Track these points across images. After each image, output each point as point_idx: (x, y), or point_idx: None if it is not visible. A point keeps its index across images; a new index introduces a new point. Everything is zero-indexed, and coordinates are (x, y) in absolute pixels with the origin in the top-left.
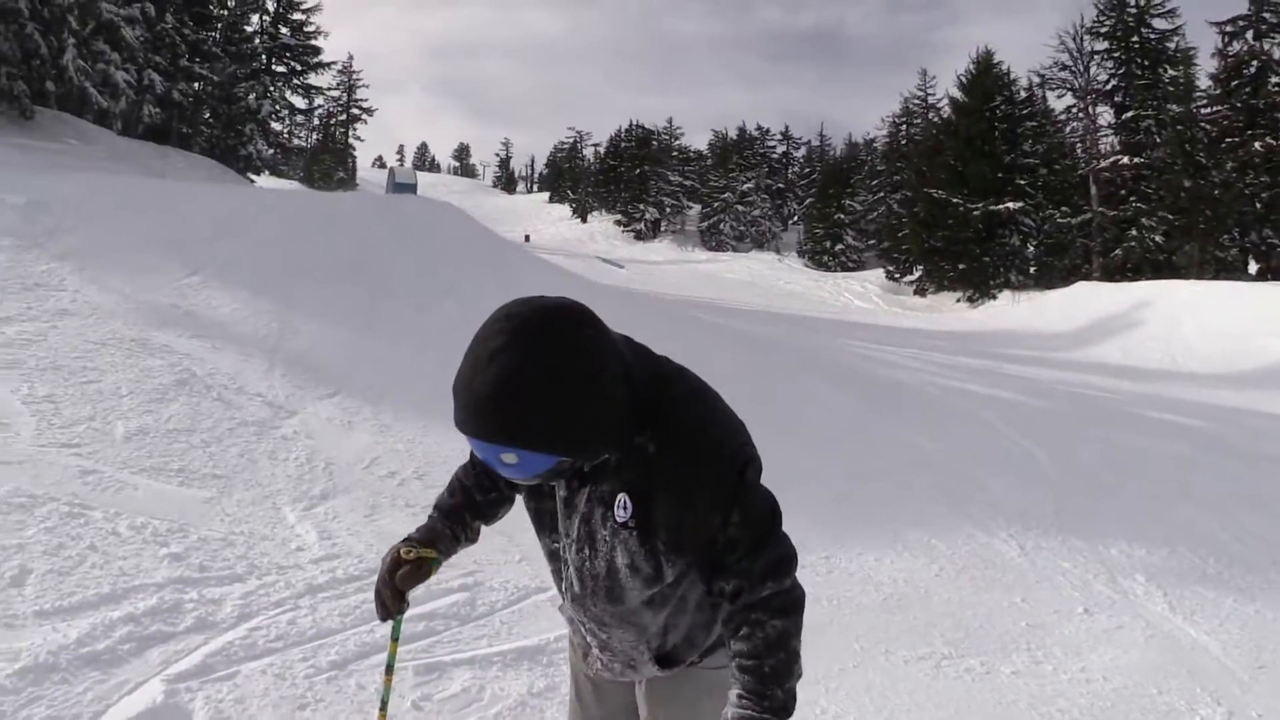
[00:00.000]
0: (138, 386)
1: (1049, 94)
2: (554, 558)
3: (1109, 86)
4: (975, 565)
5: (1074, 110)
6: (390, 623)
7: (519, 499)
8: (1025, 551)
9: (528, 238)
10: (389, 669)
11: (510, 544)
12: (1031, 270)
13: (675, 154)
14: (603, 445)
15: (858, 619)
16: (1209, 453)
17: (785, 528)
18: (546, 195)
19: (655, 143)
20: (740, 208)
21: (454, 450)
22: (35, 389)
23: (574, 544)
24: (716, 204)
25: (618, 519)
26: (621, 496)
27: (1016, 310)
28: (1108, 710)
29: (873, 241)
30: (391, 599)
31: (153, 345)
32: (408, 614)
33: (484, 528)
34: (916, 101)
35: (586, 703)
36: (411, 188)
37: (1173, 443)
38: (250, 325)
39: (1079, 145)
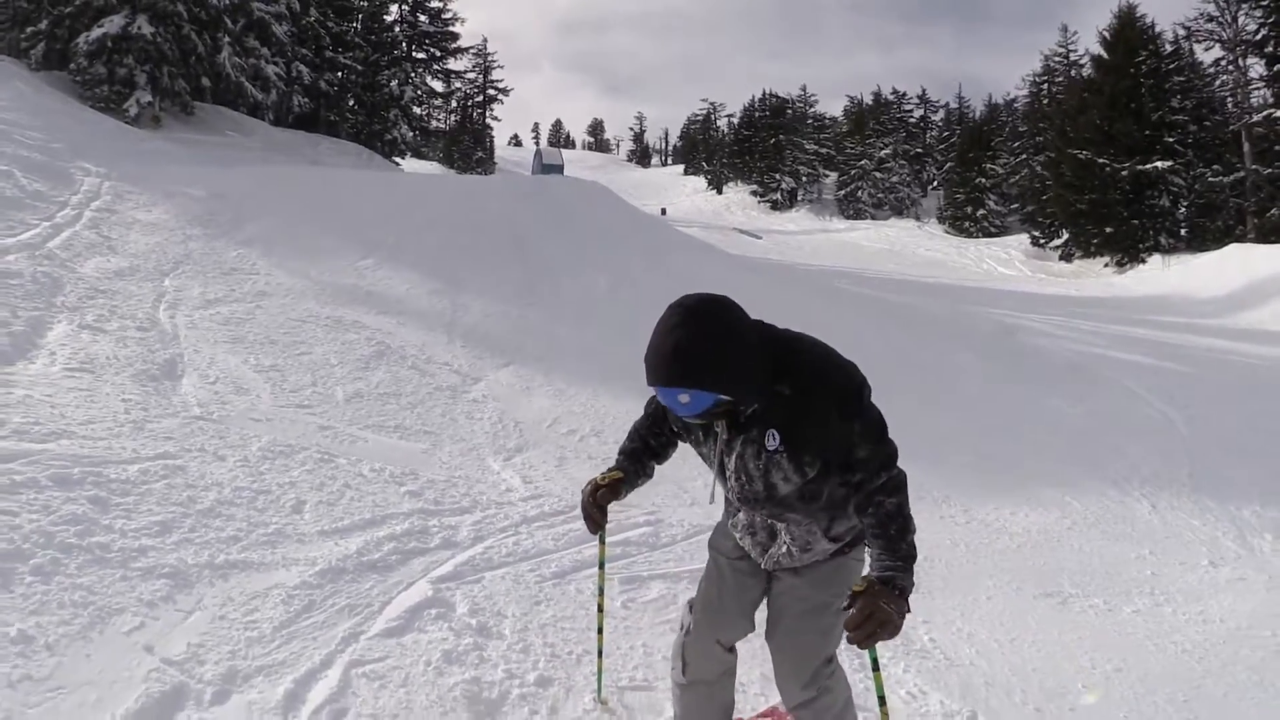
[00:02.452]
0: (344, 357)
1: (1196, 47)
2: (723, 488)
3: (1259, 37)
4: (1106, 520)
5: (1223, 63)
6: (597, 534)
7: (685, 446)
8: (1157, 509)
9: (664, 211)
10: (601, 565)
11: (682, 491)
12: (1182, 232)
13: (810, 122)
14: (748, 388)
15: (991, 563)
16: None
17: (928, 483)
18: (681, 168)
19: (789, 111)
20: (878, 174)
21: (624, 411)
22: (261, 360)
23: (734, 475)
24: (853, 171)
25: (768, 448)
26: (770, 432)
27: (1166, 274)
28: (1220, 646)
29: (1015, 206)
30: (597, 514)
31: (346, 321)
32: (609, 530)
33: (658, 467)
34: (1058, 59)
35: (725, 591)
36: (559, 168)
37: None
38: (426, 303)
39: (1229, 100)
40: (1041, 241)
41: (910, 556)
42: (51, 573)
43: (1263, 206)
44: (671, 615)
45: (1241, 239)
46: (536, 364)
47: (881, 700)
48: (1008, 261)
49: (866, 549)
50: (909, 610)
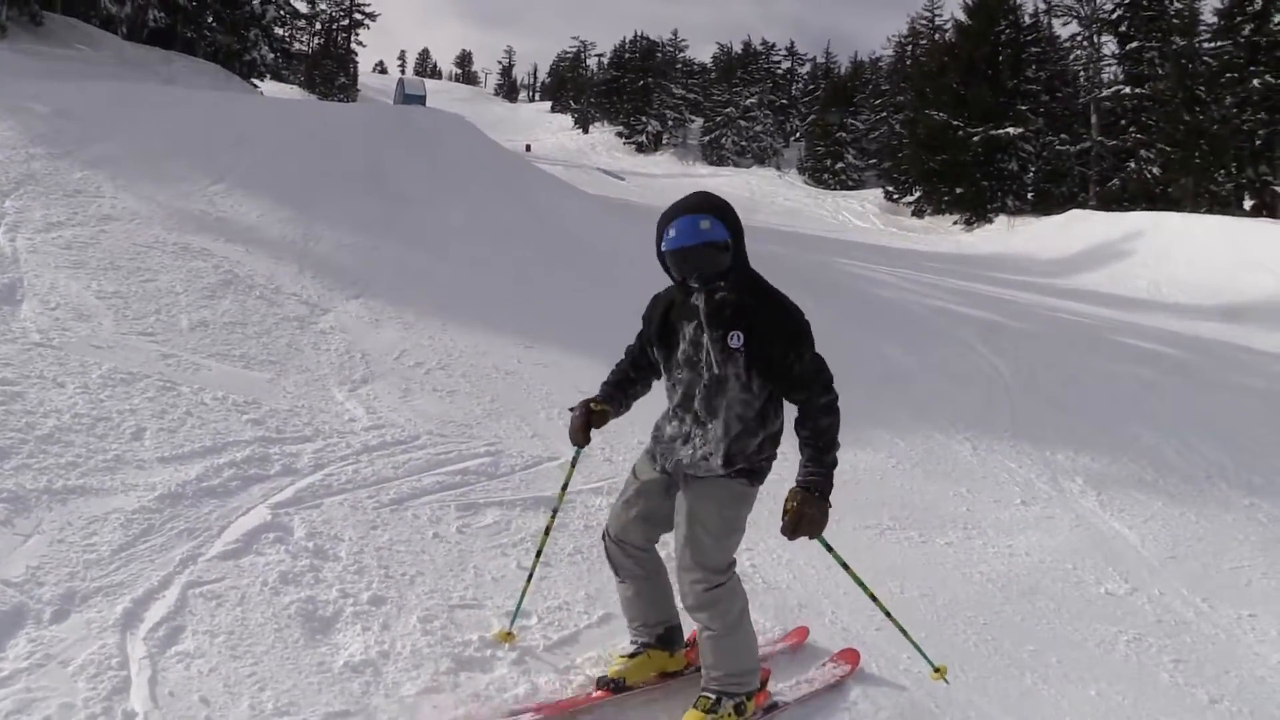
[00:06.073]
0: (190, 285)
1: (1054, 21)
2: (678, 384)
3: (1114, 16)
4: (929, 460)
5: (1078, 38)
6: (574, 451)
7: (651, 387)
8: (977, 452)
9: (529, 147)
10: (564, 487)
11: (524, 424)
12: (1029, 196)
13: (679, 67)
14: (740, 254)
15: None
16: (1171, 377)
17: None
18: (548, 105)
19: (659, 55)
20: (743, 123)
21: (472, 344)
22: (104, 286)
23: (700, 365)
24: (719, 118)
25: (731, 345)
26: (735, 333)
27: (1011, 235)
28: (1023, 577)
29: (873, 161)
30: (583, 434)
31: (194, 249)
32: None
33: (635, 400)
34: (923, 22)
35: (628, 500)
36: (421, 99)
37: (1138, 367)
38: (277, 231)
39: (1082, 74)
40: (895, 197)
41: (832, 465)
42: None
43: (1105, 176)
44: (503, 540)
45: (1083, 205)
46: (387, 296)
47: (861, 585)
48: (862, 214)
49: (786, 466)
50: (830, 507)
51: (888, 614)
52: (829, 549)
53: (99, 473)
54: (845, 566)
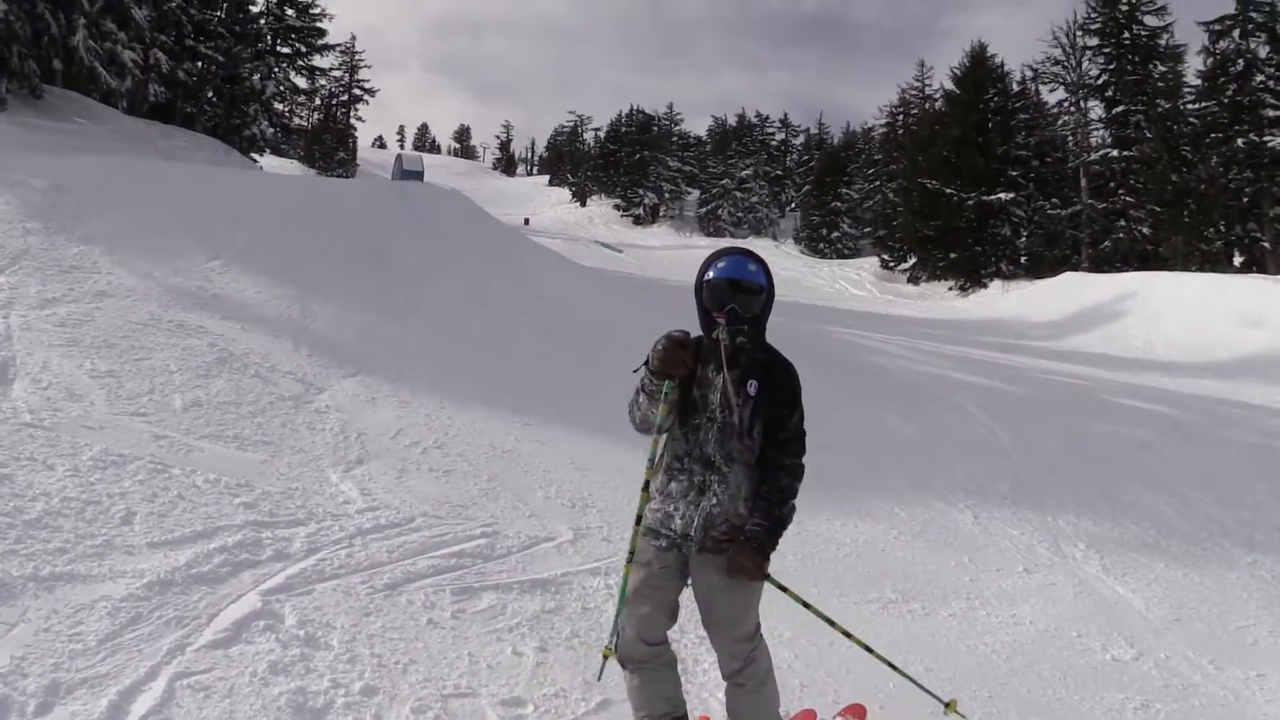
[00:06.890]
0: (184, 364)
1: (1042, 88)
2: (689, 432)
3: (1100, 81)
4: (930, 530)
5: (1066, 104)
6: (665, 385)
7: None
8: (978, 520)
9: (527, 220)
10: (638, 520)
11: (521, 503)
12: (1022, 260)
13: (675, 139)
14: (761, 317)
15: (818, 571)
16: (1168, 436)
17: None
18: (546, 178)
19: (655, 128)
20: (738, 194)
21: (469, 422)
22: (97, 365)
23: (719, 408)
24: (715, 190)
25: (749, 392)
26: (752, 381)
27: (1005, 299)
28: (1028, 647)
29: (868, 229)
30: (686, 356)
31: (189, 326)
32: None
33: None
34: (913, 92)
35: (647, 597)
36: (419, 174)
37: (1135, 428)
38: (274, 308)
39: (1070, 138)
40: (890, 264)
41: (778, 523)
42: None
43: (1096, 238)
44: (499, 625)
45: (1076, 268)
46: (383, 373)
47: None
48: (858, 282)
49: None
50: (764, 561)
51: (878, 656)
52: (782, 589)
53: (87, 559)
54: (806, 605)
